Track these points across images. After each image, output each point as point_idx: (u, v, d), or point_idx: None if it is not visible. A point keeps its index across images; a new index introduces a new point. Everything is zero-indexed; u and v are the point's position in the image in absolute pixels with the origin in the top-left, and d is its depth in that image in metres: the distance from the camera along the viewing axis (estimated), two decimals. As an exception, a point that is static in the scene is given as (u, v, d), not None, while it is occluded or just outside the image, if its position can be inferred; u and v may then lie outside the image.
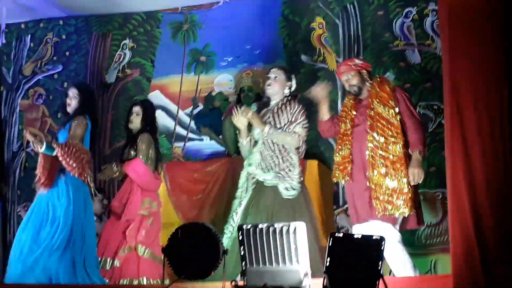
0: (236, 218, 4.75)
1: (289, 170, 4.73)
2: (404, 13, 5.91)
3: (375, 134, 4.43)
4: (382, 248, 3.39)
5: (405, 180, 4.36)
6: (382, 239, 3.40)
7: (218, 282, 3.85)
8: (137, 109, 5.45)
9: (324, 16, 6.19)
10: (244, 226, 3.78)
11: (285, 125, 4.78)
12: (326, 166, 5.78)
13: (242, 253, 3.74)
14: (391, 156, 4.38)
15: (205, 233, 3.85)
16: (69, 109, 5.20)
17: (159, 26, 6.76)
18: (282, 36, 6.33)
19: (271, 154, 4.77)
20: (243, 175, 4.89)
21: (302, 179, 4.83)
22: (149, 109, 5.49)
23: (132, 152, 5.32)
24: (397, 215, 4.38)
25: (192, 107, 6.52)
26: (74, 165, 4.89)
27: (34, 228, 4.86)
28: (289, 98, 4.92)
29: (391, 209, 4.35)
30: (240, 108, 4.83)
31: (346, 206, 5.81)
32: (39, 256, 4.72)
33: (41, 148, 4.87)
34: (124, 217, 5.17)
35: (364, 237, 3.54)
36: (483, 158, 3.22)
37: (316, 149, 5.99)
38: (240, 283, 3.72)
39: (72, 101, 5.18)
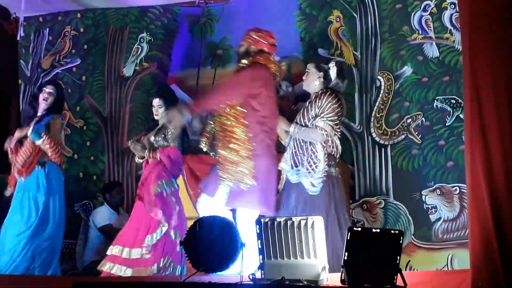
0: None
1: (315, 165, 4.64)
2: (422, 7, 5.87)
3: None
4: (400, 242, 3.39)
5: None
6: (401, 233, 3.41)
7: (236, 275, 3.87)
8: (157, 101, 5.45)
9: (342, 9, 6.17)
10: (262, 220, 3.79)
11: (312, 119, 4.70)
12: (343, 160, 5.78)
13: (260, 246, 3.76)
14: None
15: (224, 226, 3.87)
16: (45, 105, 5.53)
17: (176, 19, 6.77)
18: (299, 30, 6.32)
19: (300, 151, 4.71)
20: None
21: (331, 174, 4.67)
22: (169, 101, 5.50)
23: (161, 141, 5.34)
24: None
25: (209, 100, 6.52)
26: (58, 154, 5.47)
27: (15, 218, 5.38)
28: (324, 90, 4.72)
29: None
30: None
31: (362, 200, 5.82)
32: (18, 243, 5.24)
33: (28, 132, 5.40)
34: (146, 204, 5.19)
35: (382, 231, 3.54)
36: (503, 153, 3.20)
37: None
38: (258, 276, 3.74)
39: (49, 98, 5.54)
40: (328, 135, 4.63)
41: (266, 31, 4.77)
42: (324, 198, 4.55)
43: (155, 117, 5.47)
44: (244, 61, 4.69)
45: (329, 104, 4.62)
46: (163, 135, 5.33)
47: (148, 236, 5.10)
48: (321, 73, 4.76)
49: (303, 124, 4.69)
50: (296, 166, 4.66)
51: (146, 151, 5.36)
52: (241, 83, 4.61)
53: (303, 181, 4.62)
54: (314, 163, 4.61)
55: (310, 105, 4.71)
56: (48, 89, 5.55)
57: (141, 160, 5.43)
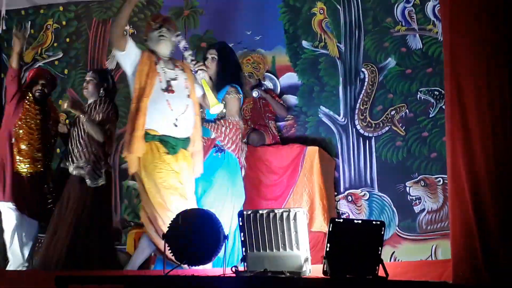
0: None
1: None
2: (405, -2, 5.88)
3: None
4: (382, 233, 3.39)
5: None
6: (382, 224, 3.41)
7: (219, 267, 3.86)
8: None
9: (325, 1, 6.16)
10: (244, 212, 3.78)
11: None
12: (327, 152, 5.78)
13: (242, 238, 3.75)
14: None
15: (206, 219, 3.86)
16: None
17: (160, 12, 6.72)
18: (283, 22, 6.30)
19: None
20: None
21: None
22: None
23: None
24: None
25: (192, 93, 6.49)
26: None
27: None
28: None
29: None
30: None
31: (347, 192, 5.83)
32: None
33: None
34: None
35: (364, 222, 3.55)
36: (483, 144, 3.20)
37: (316, 135, 5.99)
38: (241, 268, 3.73)
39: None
40: None
41: None
42: None
43: None
44: None
45: None
46: None
47: None
48: None
49: None
50: None
51: None
52: None
53: None
54: None
55: None
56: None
57: None
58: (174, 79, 4.52)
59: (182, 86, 4.52)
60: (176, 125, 4.42)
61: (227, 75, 4.86)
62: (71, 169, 5.21)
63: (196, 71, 4.54)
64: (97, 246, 5.06)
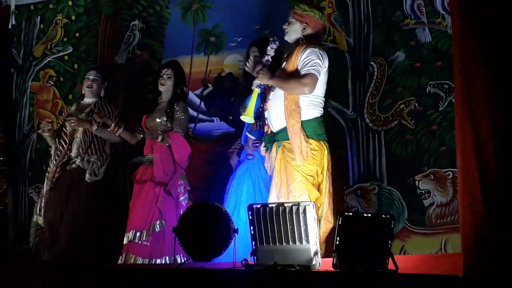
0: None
1: None
2: (414, -9, 5.86)
3: None
4: (391, 227, 3.40)
5: None
6: (392, 217, 3.42)
7: (229, 261, 3.88)
8: (168, 71, 5.38)
9: (334, -6, 6.15)
10: (254, 206, 3.80)
11: None
12: (336, 146, 5.78)
13: (252, 232, 3.77)
14: None
15: (216, 213, 3.88)
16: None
17: (168, 6, 6.73)
18: (292, 16, 6.28)
19: None
20: None
21: None
22: (179, 74, 5.44)
23: (169, 123, 5.29)
24: None
25: (202, 88, 6.51)
26: None
27: None
28: None
29: None
30: None
31: (356, 186, 5.83)
32: None
33: None
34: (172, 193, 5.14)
35: (373, 215, 3.56)
36: (493, 136, 3.20)
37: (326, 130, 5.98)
38: (251, 262, 3.75)
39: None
40: None
41: None
42: None
43: (160, 88, 5.38)
44: None
45: None
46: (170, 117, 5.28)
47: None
48: None
49: None
50: None
51: (147, 134, 5.31)
52: None
53: None
54: None
55: None
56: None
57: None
58: None
59: None
60: None
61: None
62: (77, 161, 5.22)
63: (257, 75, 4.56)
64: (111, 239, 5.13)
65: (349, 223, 3.50)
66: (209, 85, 6.50)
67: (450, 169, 5.49)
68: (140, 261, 4.95)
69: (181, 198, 5.21)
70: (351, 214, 3.60)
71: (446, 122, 5.56)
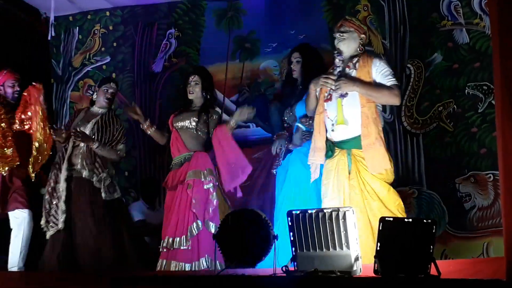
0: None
1: None
2: (451, -8, 5.80)
3: None
4: (433, 231, 3.37)
5: None
6: (433, 222, 3.38)
7: (269, 268, 3.88)
8: (195, 78, 5.40)
9: (369, -2, 6.12)
10: (294, 212, 3.80)
11: None
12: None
13: (292, 238, 3.77)
14: None
15: (255, 219, 3.89)
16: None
17: (204, 14, 6.78)
18: (327, 20, 6.27)
19: None
20: None
21: None
22: (207, 80, 5.46)
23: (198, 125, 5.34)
24: None
25: (238, 94, 6.55)
26: None
27: None
28: None
29: None
30: None
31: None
32: None
33: None
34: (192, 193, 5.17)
35: (414, 220, 3.53)
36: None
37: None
38: (291, 268, 3.75)
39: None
40: None
41: None
42: None
43: (190, 96, 5.42)
44: None
45: None
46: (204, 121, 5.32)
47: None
48: None
49: None
50: None
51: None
52: None
53: None
54: None
55: None
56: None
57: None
58: None
59: None
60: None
61: (312, 76, 4.85)
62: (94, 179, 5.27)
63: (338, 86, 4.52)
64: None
65: (390, 228, 3.48)
66: (245, 91, 6.53)
67: (491, 172, 5.41)
68: (182, 266, 4.98)
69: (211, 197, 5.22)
70: (391, 219, 3.57)
71: (486, 124, 5.49)
